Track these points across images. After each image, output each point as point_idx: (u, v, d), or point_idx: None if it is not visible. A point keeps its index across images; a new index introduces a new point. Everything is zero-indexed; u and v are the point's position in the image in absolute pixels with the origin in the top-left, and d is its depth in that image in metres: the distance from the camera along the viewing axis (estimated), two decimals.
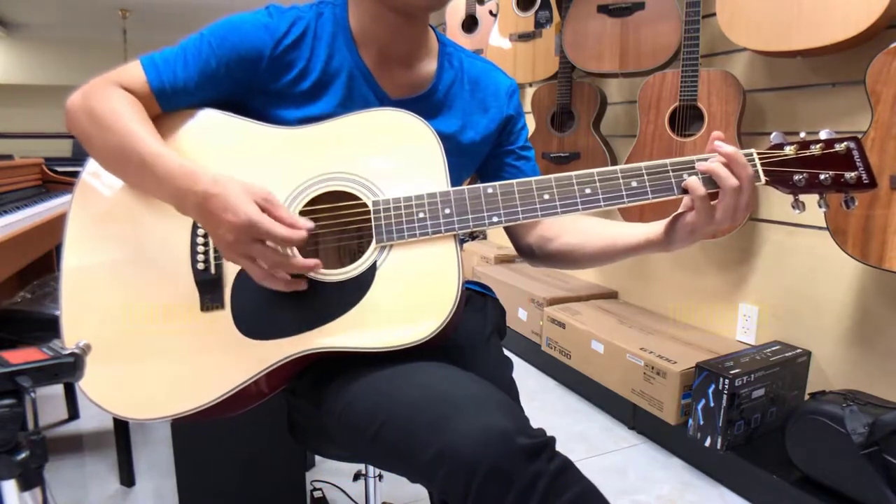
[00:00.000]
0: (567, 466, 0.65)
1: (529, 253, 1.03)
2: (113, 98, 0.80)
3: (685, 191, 0.80)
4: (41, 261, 1.84)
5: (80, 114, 0.81)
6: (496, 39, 2.66)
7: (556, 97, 2.36)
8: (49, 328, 1.50)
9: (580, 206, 0.81)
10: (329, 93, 0.88)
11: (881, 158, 1.35)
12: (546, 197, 0.81)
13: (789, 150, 0.81)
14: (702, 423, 1.67)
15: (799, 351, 1.77)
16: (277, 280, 0.74)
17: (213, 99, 0.86)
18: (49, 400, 2.06)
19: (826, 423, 1.38)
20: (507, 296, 2.61)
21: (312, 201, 0.82)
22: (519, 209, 0.81)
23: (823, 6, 1.44)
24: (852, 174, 0.78)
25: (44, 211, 1.87)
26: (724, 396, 1.59)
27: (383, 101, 0.90)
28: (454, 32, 3.11)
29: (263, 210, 0.72)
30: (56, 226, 1.78)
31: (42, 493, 0.51)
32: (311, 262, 0.74)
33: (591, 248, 0.94)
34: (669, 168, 0.81)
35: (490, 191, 0.81)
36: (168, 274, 0.80)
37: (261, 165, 0.83)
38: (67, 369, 0.53)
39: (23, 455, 0.50)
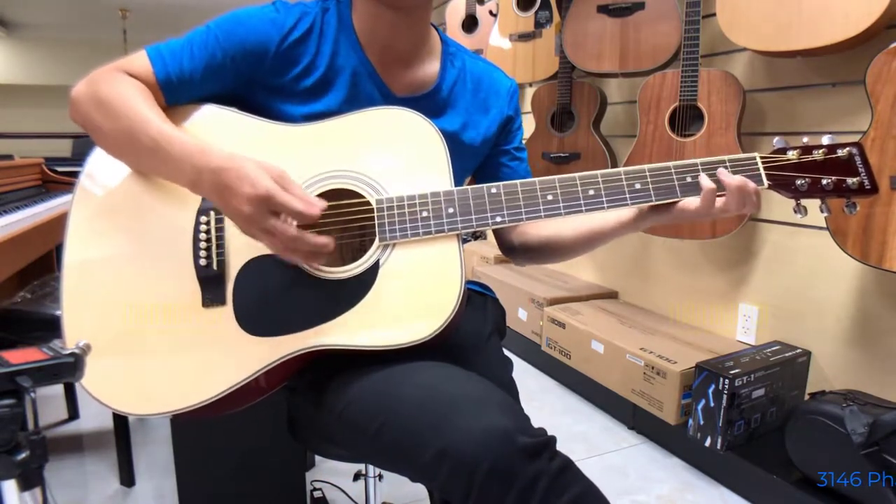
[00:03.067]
0: (567, 466, 0.66)
1: (511, 249, 1.04)
2: (120, 83, 0.79)
3: (687, 194, 0.82)
4: (41, 261, 1.84)
5: (87, 101, 0.80)
6: (496, 39, 2.66)
7: (556, 97, 2.36)
8: (49, 328, 1.50)
9: (583, 208, 0.81)
10: (334, 89, 0.88)
11: (881, 158, 1.35)
12: (549, 198, 0.81)
13: (792, 155, 0.82)
14: (702, 423, 1.67)
15: (799, 351, 1.77)
16: (295, 254, 0.73)
17: (217, 92, 0.86)
18: (49, 400, 2.06)
19: (826, 423, 1.38)
20: (507, 296, 2.61)
21: None
22: (522, 209, 0.81)
23: (823, 6, 1.44)
24: (854, 180, 0.79)
25: (44, 211, 1.87)
26: (724, 396, 1.59)
27: (388, 98, 0.91)
28: (454, 32, 3.11)
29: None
30: (56, 226, 1.77)
31: (42, 493, 0.51)
32: (324, 239, 0.72)
33: (567, 236, 0.96)
34: (673, 170, 0.82)
35: (494, 191, 0.81)
36: (170, 270, 0.80)
37: None
38: (67, 369, 0.53)
39: (23, 455, 0.50)
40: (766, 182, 0.82)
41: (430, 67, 0.94)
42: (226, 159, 0.72)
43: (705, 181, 0.81)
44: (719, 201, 0.81)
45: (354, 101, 0.88)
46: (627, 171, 0.82)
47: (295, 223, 0.71)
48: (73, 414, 2.00)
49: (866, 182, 0.79)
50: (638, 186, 0.82)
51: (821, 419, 1.39)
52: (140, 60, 0.83)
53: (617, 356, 1.98)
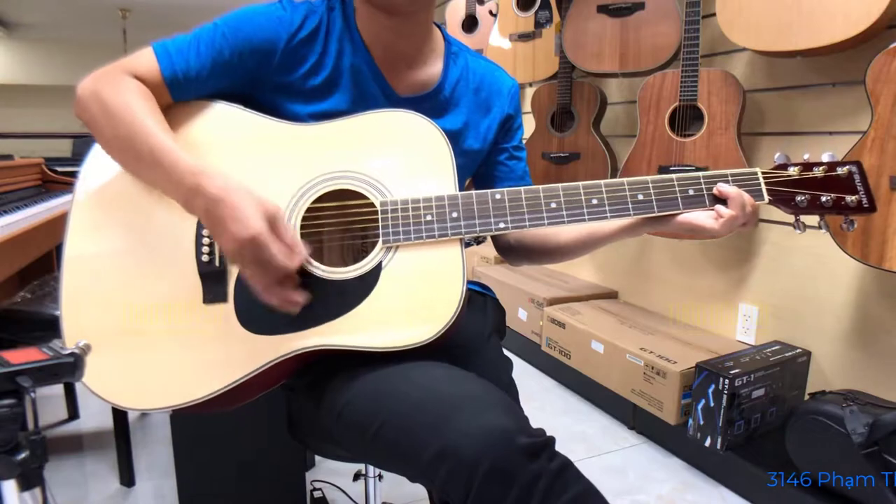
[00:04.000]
0: (567, 466, 0.66)
1: (508, 248, 1.05)
2: (125, 89, 0.79)
3: (689, 207, 0.83)
4: (41, 261, 1.84)
5: (92, 102, 0.80)
6: (496, 39, 2.66)
7: (556, 97, 2.36)
8: (49, 328, 1.50)
9: (586, 216, 0.82)
10: (340, 89, 0.88)
11: (881, 159, 1.35)
12: (553, 206, 0.82)
13: (792, 171, 0.83)
14: (702, 423, 1.67)
15: (799, 351, 1.77)
16: (270, 295, 0.74)
17: (224, 90, 0.86)
18: (49, 400, 2.06)
19: (826, 423, 1.38)
20: (507, 296, 2.61)
21: (320, 199, 0.82)
22: (526, 216, 0.81)
23: (823, 6, 1.44)
24: (853, 198, 0.80)
25: (44, 211, 1.87)
26: (724, 396, 1.59)
27: (391, 98, 0.91)
28: (454, 32, 3.11)
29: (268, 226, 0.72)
30: (56, 226, 1.78)
31: (42, 493, 0.51)
32: (299, 297, 0.74)
33: (565, 238, 0.96)
34: (675, 183, 0.83)
35: (498, 197, 0.82)
36: (171, 265, 0.80)
37: (270, 161, 0.83)
38: (67, 369, 0.53)
39: (23, 455, 0.50)
40: (766, 197, 0.83)
41: (433, 67, 0.94)
42: (220, 189, 0.71)
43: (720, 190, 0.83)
44: (728, 213, 0.81)
45: (359, 101, 0.88)
46: (631, 181, 0.83)
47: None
48: (73, 414, 2.00)
49: (865, 201, 0.80)
50: (641, 197, 0.82)
51: (821, 419, 1.39)
52: (146, 58, 0.82)
53: (617, 356, 1.98)
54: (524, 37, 2.53)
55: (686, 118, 1.82)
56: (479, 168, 1.03)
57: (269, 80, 0.87)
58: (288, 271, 0.72)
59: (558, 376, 2.37)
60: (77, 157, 4.89)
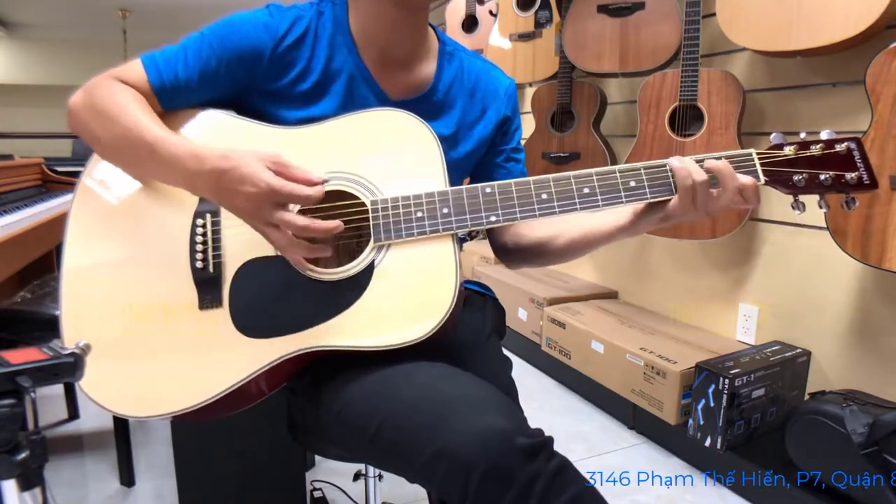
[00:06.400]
0: (565, 466, 0.66)
1: (504, 251, 1.03)
2: (115, 91, 0.80)
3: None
4: (41, 261, 1.84)
5: (84, 110, 0.81)
6: (496, 39, 2.66)
7: (556, 97, 2.36)
8: (49, 328, 1.50)
9: (578, 206, 0.81)
10: (329, 94, 0.88)
11: (881, 158, 1.35)
12: (544, 196, 0.81)
13: (789, 151, 0.81)
14: (702, 422, 1.67)
15: (799, 351, 1.77)
16: (300, 247, 0.74)
17: (213, 98, 0.86)
18: (49, 400, 2.06)
19: (826, 423, 1.38)
20: (507, 296, 2.61)
21: None
22: (517, 209, 0.81)
23: (823, 6, 1.44)
24: (853, 174, 0.78)
25: (44, 211, 1.87)
26: (724, 396, 1.59)
27: (384, 102, 0.90)
28: (454, 32, 3.11)
29: (277, 174, 0.72)
30: (56, 226, 1.78)
31: (42, 493, 0.51)
32: (333, 223, 0.73)
33: (564, 239, 0.94)
34: (668, 167, 0.82)
35: (488, 190, 0.81)
36: (167, 272, 0.80)
37: None
38: (67, 369, 0.53)
39: (23, 455, 0.50)
40: (762, 178, 0.81)
41: (427, 69, 0.93)
42: (220, 159, 0.72)
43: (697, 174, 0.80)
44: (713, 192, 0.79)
45: (349, 106, 0.88)
46: (622, 168, 0.82)
47: (299, 209, 0.72)
48: (73, 414, 2.00)
49: (865, 177, 0.78)
50: (633, 184, 0.81)
51: (821, 419, 1.39)
52: (135, 68, 0.83)
53: (617, 356, 1.98)
54: (524, 37, 2.53)
55: (686, 118, 1.82)
56: (475, 170, 1.02)
57: (257, 87, 0.87)
58: (313, 201, 0.72)
59: (558, 376, 2.37)
60: (77, 158, 4.88)
